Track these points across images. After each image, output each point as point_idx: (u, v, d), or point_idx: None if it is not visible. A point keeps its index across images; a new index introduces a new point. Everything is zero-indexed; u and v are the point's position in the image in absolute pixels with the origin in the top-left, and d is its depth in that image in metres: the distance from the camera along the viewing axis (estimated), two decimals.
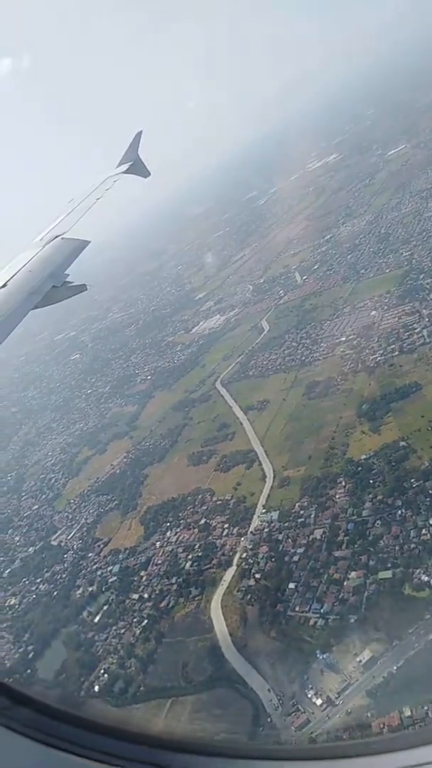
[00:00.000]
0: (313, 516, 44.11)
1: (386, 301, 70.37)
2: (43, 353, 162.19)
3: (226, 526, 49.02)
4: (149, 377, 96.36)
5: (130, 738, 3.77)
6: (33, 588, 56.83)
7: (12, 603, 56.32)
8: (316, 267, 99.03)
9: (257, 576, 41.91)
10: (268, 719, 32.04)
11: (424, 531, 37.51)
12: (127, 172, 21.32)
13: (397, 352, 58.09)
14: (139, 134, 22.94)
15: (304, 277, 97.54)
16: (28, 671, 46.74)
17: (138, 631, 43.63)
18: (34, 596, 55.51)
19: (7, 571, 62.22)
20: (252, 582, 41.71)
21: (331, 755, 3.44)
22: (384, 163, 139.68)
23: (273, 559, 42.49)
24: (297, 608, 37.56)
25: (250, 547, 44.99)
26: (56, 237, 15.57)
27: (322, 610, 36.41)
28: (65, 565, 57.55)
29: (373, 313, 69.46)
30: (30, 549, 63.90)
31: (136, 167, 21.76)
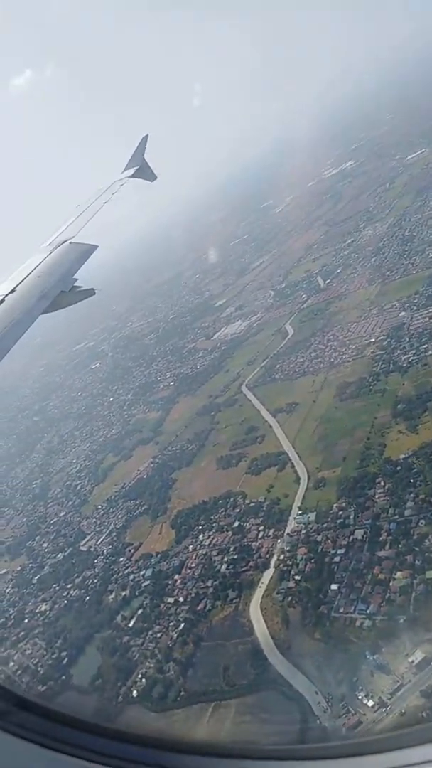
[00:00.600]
0: (352, 516, 43.15)
1: (415, 301, 69.43)
2: (62, 363, 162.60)
3: (261, 528, 48.19)
4: (172, 383, 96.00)
5: (131, 739, 3.75)
6: (64, 594, 56.33)
7: (43, 609, 55.85)
8: (339, 271, 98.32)
9: (297, 578, 41.01)
10: (317, 721, 31.10)
11: None
12: (133, 176, 21.21)
13: (430, 352, 57.13)
14: (145, 138, 23.05)
15: (327, 281, 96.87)
16: (63, 677, 46.10)
17: (175, 635, 42.87)
18: (66, 602, 55.00)
19: (36, 578, 61.81)
20: (292, 584, 40.81)
21: (331, 755, 3.42)
22: (404, 167, 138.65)
23: (313, 561, 41.55)
24: (341, 609, 36.60)
25: (288, 548, 44.09)
26: (64, 242, 15.49)
27: (368, 611, 35.42)
28: (96, 570, 57.03)
29: (402, 314, 68.56)
30: (59, 555, 63.48)
31: (143, 171, 21.73)
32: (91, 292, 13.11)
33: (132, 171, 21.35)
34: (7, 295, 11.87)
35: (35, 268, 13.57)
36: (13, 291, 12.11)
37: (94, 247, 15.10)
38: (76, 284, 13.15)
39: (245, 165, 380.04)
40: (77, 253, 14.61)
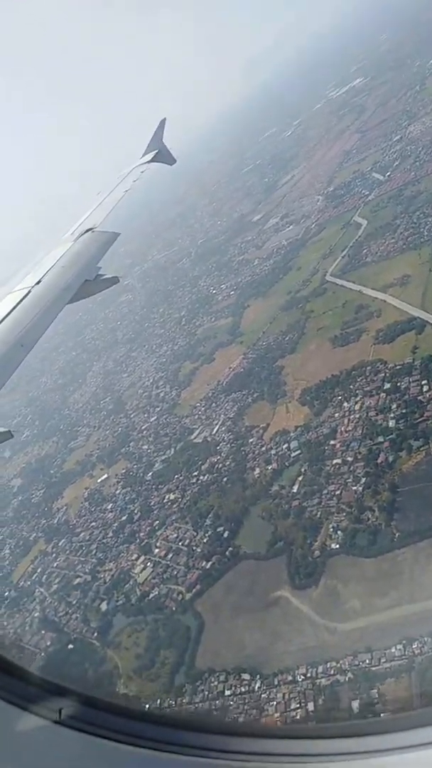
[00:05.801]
0: None
1: None
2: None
3: (423, 383, 45.10)
4: (232, 293, 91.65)
5: (125, 713, 3.71)
6: (192, 481, 53.26)
7: (172, 497, 52.87)
8: (397, 163, 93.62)
9: None
10: None
11: None
12: (153, 161, 20.83)
13: None
14: (162, 122, 22.20)
15: (387, 174, 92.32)
16: (230, 549, 43.26)
17: (360, 489, 40.01)
18: (198, 488, 51.97)
19: (149, 474, 58.62)
20: None
21: (331, 734, 3.35)
22: (430, 70, 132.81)
23: None
24: None
25: None
26: (86, 231, 15.60)
27: None
28: (222, 455, 53.82)
29: None
30: (169, 451, 60.17)
31: (162, 155, 21.28)
32: (114, 280, 13.57)
33: (151, 156, 20.99)
34: (33, 287, 12.15)
35: (59, 258, 13.87)
36: (39, 282, 12.41)
37: (116, 235, 15.47)
38: (99, 272, 13.50)
39: (233, 104, 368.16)
40: (99, 243, 14.95)
